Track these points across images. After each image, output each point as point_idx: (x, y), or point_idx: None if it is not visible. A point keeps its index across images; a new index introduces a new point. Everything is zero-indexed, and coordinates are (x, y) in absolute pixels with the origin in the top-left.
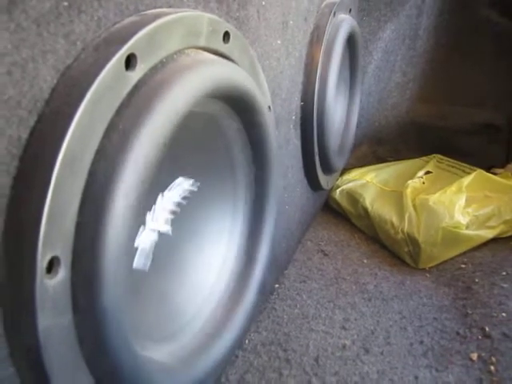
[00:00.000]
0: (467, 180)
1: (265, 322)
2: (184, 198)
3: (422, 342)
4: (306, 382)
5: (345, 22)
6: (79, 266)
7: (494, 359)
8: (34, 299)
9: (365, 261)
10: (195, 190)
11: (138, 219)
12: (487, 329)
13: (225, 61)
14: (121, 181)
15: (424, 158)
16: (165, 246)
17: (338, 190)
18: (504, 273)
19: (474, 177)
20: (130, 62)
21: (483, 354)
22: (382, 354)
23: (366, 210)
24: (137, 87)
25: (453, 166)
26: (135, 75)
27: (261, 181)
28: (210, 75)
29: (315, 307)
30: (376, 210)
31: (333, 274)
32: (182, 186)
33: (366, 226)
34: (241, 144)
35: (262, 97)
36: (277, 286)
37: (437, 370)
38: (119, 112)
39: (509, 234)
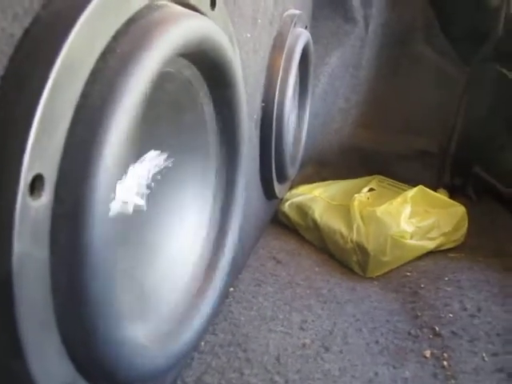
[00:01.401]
0: (411, 193)
1: (221, 325)
2: (157, 173)
3: (377, 342)
4: (269, 380)
5: (303, 35)
6: (64, 193)
7: (446, 355)
8: (14, 217)
9: (316, 269)
10: (169, 165)
11: (126, 162)
12: (437, 328)
13: (216, 25)
14: (119, 105)
15: (366, 177)
16: (137, 223)
17: (286, 204)
18: (446, 278)
19: (417, 191)
20: None
21: (435, 351)
22: (341, 352)
23: (315, 221)
24: (135, 18)
25: (393, 185)
26: (135, 4)
27: (232, 162)
28: (203, 26)
29: (272, 309)
30: (325, 222)
31: (287, 280)
32: (154, 160)
33: (315, 237)
34: (214, 119)
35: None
36: (232, 289)
37: (394, 367)
38: (117, 38)
39: (447, 247)
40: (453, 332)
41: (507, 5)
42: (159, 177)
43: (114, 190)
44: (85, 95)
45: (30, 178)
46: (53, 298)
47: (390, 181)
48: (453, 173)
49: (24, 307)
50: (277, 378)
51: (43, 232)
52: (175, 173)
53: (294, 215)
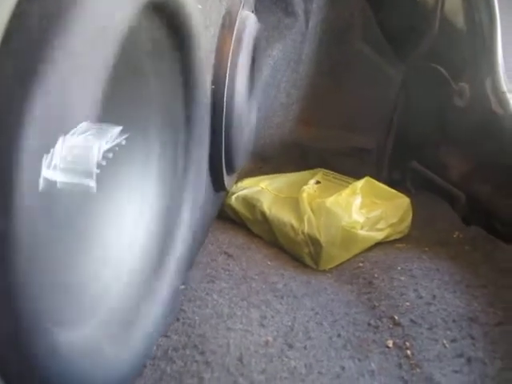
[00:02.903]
0: (360, 184)
1: (174, 325)
2: (109, 150)
3: (339, 335)
4: (232, 383)
5: (252, 17)
6: None
7: (408, 344)
8: None
9: (269, 262)
10: (123, 143)
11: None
12: (396, 317)
13: None
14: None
15: (311, 170)
16: (73, 210)
17: (233, 197)
18: (399, 268)
19: (365, 182)
20: None
21: (397, 341)
22: (305, 348)
23: (263, 214)
24: None
25: (338, 179)
26: None
27: (191, 141)
28: None
29: (229, 306)
30: (274, 214)
31: (241, 274)
32: (105, 134)
33: (263, 230)
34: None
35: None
36: (182, 287)
37: (359, 360)
38: None
39: (393, 238)
40: (412, 320)
41: (442, 5)
42: (111, 155)
43: (49, 149)
44: (19, 14)
45: None
46: None
47: (335, 174)
48: (391, 168)
49: None
50: (241, 380)
51: None
52: (123, 150)
53: (241, 208)
